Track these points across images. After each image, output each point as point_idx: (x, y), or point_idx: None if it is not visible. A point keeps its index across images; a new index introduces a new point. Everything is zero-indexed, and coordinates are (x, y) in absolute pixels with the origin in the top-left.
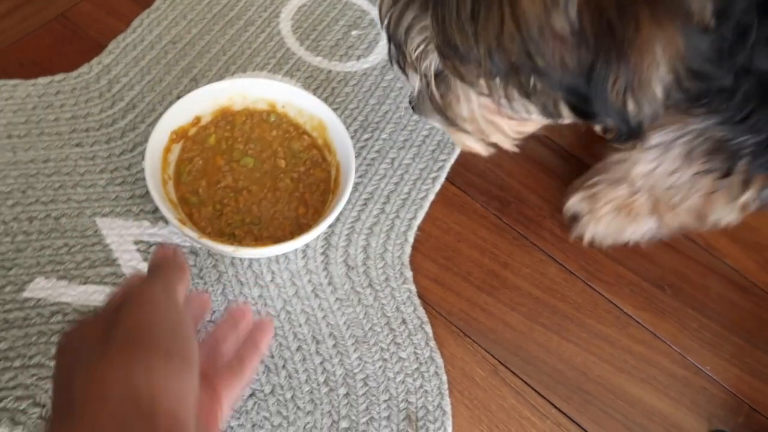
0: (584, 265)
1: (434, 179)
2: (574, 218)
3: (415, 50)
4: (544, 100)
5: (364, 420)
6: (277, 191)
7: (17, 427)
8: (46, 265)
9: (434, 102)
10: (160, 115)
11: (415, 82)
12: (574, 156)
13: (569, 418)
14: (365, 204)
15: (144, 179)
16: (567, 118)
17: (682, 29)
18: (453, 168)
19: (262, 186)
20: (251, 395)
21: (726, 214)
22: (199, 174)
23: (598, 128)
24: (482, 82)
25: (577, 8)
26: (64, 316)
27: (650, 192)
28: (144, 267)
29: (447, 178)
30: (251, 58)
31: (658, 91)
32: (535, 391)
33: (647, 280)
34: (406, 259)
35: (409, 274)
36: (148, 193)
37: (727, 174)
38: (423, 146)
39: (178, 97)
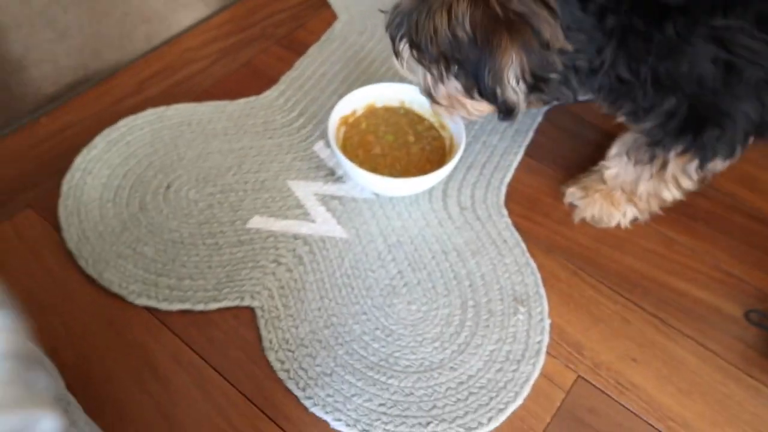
0: None
1: (516, 153)
2: (574, 204)
3: (402, 47)
4: (464, 82)
5: (484, 300)
6: (410, 155)
7: (254, 301)
8: (260, 209)
9: (424, 84)
10: (322, 118)
11: (416, 73)
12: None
13: (633, 302)
14: (468, 169)
15: (316, 156)
16: (479, 98)
17: (524, 48)
18: (530, 147)
19: (400, 152)
20: (404, 285)
21: (668, 190)
22: (357, 146)
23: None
24: (433, 68)
25: (470, 25)
26: (275, 239)
27: (621, 188)
28: (321, 209)
29: (526, 154)
30: (381, 76)
31: (511, 78)
32: (606, 285)
33: (684, 215)
34: (501, 202)
35: (504, 211)
36: (319, 165)
37: (650, 161)
38: (506, 132)
39: (332, 108)
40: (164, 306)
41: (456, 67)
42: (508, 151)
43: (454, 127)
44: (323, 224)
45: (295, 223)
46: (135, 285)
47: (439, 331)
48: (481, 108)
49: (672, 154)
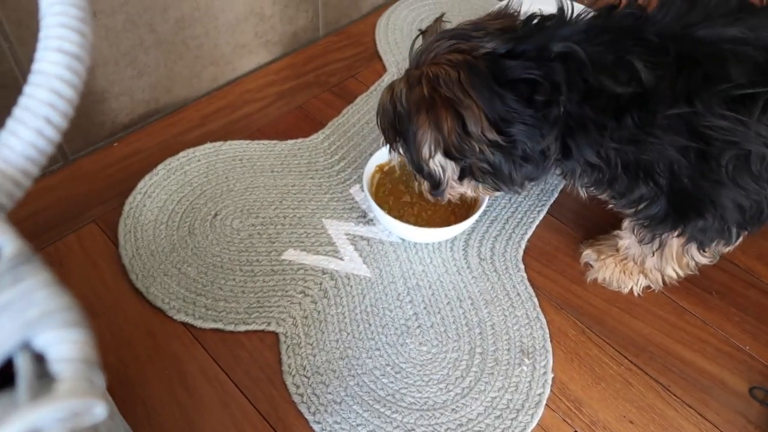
0: None
1: (539, 211)
2: (589, 265)
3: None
4: (406, 156)
5: (492, 349)
6: (437, 206)
7: (279, 327)
8: (294, 242)
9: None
10: (361, 163)
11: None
12: None
13: (637, 366)
14: (492, 222)
15: (351, 198)
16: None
17: (436, 127)
18: (553, 206)
19: (427, 203)
20: (418, 326)
21: (672, 268)
22: (389, 193)
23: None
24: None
25: (406, 102)
26: (305, 272)
27: (633, 259)
28: (350, 248)
29: (548, 212)
30: None
31: (425, 150)
32: (612, 346)
33: (698, 287)
34: (519, 257)
35: (521, 266)
36: (353, 207)
37: (651, 240)
38: (533, 190)
39: (371, 155)
40: (199, 323)
41: (400, 141)
42: (532, 208)
43: None
44: (350, 262)
45: (324, 258)
46: (176, 302)
47: (445, 374)
48: (460, 190)
49: (668, 236)
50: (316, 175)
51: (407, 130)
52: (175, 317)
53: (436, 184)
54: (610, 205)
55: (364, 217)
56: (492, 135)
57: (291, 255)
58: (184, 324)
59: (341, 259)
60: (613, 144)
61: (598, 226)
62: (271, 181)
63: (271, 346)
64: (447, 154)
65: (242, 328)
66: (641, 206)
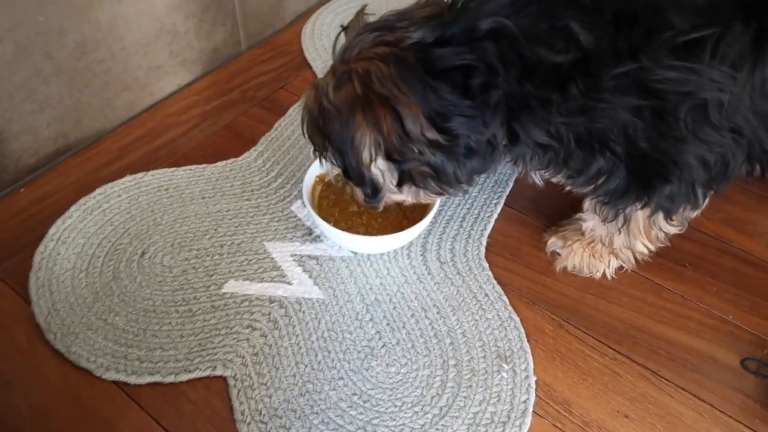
0: None
1: (496, 204)
2: (556, 253)
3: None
4: (338, 164)
5: (466, 359)
6: (387, 212)
7: (226, 370)
8: (235, 272)
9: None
10: (300, 177)
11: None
12: None
13: (622, 354)
14: (448, 222)
15: (294, 216)
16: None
17: (376, 128)
18: (510, 197)
19: (377, 211)
20: (383, 346)
21: (642, 243)
22: (333, 204)
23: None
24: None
25: (335, 101)
26: (250, 303)
27: (600, 241)
28: (298, 270)
29: (506, 203)
30: None
31: (365, 154)
32: (593, 337)
33: (671, 261)
34: (482, 255)
35: (485, 264)
36: (296, 225)
37: (614, 217)
38: (485, 183)
39: (309, 166)
40: (133, 379)
41: (329, 146)
42: (488, 202)
43: None
44: (300, 285)
45: (271, 285)
46: (104, 358)
47: (419, 394)
48: (398, 198)
49: (632, 210)
50: (252, 196)
51: (342, 134)
52: (104, 376)
53: (375, 191)
54: (568, 187)
55: (310, 234)
56: (432, 134)
57: (233, 287)
58: (116, 382)
59: (289, 283)
60: (561, 119)
61: (558, 212)
62: (203, 209)
63: (219, 392)
64: (388, 157)
65: (184, 377)
66: (600, 181)
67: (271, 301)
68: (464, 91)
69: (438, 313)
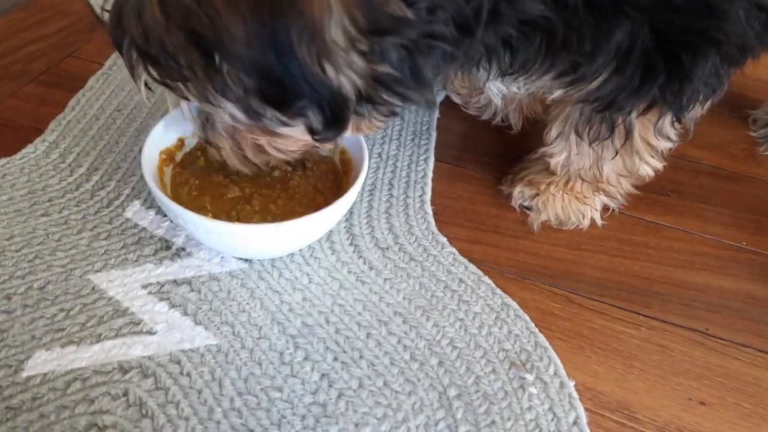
0: None
1: (425, 160)
2: (527, 208)
3: (134, 60)
4: (240, 93)
5: (470, 381)
6: (289, 189)
7: None
8: (42, 337)
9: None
10: (131, 167)
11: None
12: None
13: (658, 319)
14: (371, 193)
15: (132, 224)
16: (269, 119)
17: None
18: (438, 149)
19: (273, 188)
20: (339, 396)
21: (646, 164)
22: (200, 192)
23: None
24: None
25: None
26: (83, 382)
27: (580, 177)
28: (161, 307)
29: (437, 158)
30: None
31: (338, 37)
32: (615, 306)
33: (653, 193)
34: (434, 228)
35: (443, 239)
36: (141, 239)
37: (610, 133)
38: (402, 137)
39: (140, 152)
40: None
41: (224, 66)
42: (414, 159)
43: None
44: (170, 331)
45: (116, 343)
46: None
47: None
48: (290, 141)
49: (635, 116)
50: (50, 208)
51: (257, 29)
52: None
53: (338, 115)
54: (548, 100)
55: (168, 249)
56: (397, 6)
57: (43, 363)
58: None
59: (151, 332)
60: None
61: (503, 157)
62: None
63: None
64: (372, 32)
65: None
66: (615, 65)
67: (124, 372)
68: None
69: (404, 322)
